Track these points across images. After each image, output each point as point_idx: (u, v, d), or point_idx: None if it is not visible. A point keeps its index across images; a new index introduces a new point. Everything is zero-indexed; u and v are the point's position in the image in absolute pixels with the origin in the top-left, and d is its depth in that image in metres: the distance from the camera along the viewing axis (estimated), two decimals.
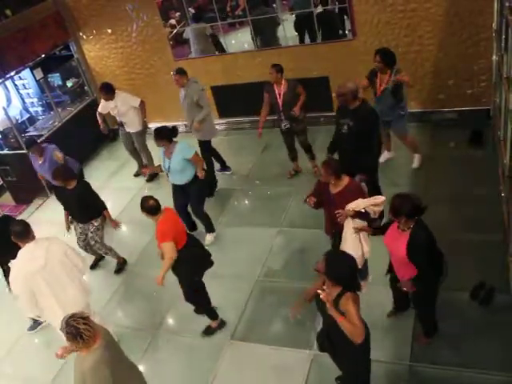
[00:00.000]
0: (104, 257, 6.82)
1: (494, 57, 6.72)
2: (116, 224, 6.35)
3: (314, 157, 7.27)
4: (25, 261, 4.66)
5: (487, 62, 7.03)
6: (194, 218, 6.67)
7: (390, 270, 4.54)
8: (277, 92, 6.79)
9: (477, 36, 7.01)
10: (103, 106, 7.99)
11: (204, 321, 5.55)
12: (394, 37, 7.38)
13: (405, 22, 7.25)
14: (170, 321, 5.80)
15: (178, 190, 6.42)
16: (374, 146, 5.63)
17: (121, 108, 7.77)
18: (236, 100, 8.64)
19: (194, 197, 6.39)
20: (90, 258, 6.68)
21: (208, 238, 6.60)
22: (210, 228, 6.65)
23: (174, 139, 6.15)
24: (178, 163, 6.07)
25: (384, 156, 7.12)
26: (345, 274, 3.54)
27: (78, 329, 3.38)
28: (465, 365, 4.41)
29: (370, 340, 3.82)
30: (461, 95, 7.48)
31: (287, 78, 6.83)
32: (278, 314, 5.44)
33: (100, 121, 8.15)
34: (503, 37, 5.60)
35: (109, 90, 7.70)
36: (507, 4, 5.05)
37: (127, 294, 6.23)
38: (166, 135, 6.06)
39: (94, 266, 6.75)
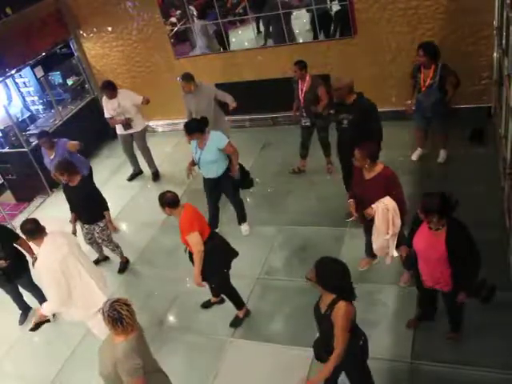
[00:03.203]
0: (108, 258, 6.80)
1: (495, 54, 6.71)
2: (114, 228, 6.28)
3: (330, 154, 7.22)
4: (52, 251, 4.70)
5: (488, 59, 7.03)
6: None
7: (417, 276, 4.37)
8: (300, 88, 6.75)
9: (478, 33, 7.00)
10: (107, 109, 7.82)
11: (205, 319, 5.57)
12: (394, 35, 7.37)
13: (405, 19, 7.24)
14: (171, 320, 5.81)
15: (211, 185, 6.30)
16: (377, 131, 5.57)
17: (125, 104, 7.68)
18: (236, 98, 8.63)
19: (230, 187, 6.32)
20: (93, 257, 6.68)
21: (245, 228, 6.63)
22: (244, 217, 6.64)
23: (207, 129, 6.03)
24: (211, 153, 5.95)
25: (417, 153, 7.10)
26: (336, 282, 3.51)
27: (121, 314, 3.40)
28: (466, 362, 4.41)
29: (368, 346, 3.83)
30: (462, 93, 7.45)
31: (312, 75, 6.79)
32: (278, 312, 5.44)
33: (115, 122, 7.91)
34: (504, 34, 5.59)
35: (114, 88, 7.66)
36: (508, 1, 5.05)
37: (127, 294, 6.20)
38: (197, 127, 5.95)
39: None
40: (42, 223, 4.94)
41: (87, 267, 4.92)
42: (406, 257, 4.45)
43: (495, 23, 6.57)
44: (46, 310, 4.79)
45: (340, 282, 3.52)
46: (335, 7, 7.78)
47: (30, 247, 5.63)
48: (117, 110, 7.76)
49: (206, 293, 5.57)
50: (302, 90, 6.75)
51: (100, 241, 6.33)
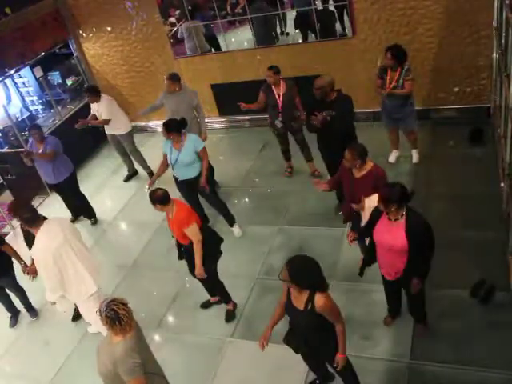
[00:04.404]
0: None
1: (494, 54, 6.71)
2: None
3: (312, 158, 7.21)
4: (47, 240, 4.77)
5: (487, 59, 7.03)
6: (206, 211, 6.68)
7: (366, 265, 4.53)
8: (276, 93, 6.74)
9: (477, 34, 7.00)
10: (92, 109, 8.00)
11: (205, 319, 5.56)
12: (393, 35, 7.36)
13: (405, 19, 7.24)
14: (170, 320, 5.80)
15: (185, 187, 6.34)
16: (353, 128, 5.87)
17: (103, 113, 7.77)
18: (236, 98, 8.64)
19: (205, 190, 6.33)
20: None
21: (237, 230, 6.61)
22: (231, 218, 6.62)
23: (183, 131, 6.10)
24: (189, 155, 6.03)
25: (394, 155, 7.13)
26: (310, 279, 3.56)
27: (118, 313, 3.42)
28: (464, 362, 4.41)
29: None
30: (461, 93, 7.48)
31: (284, 78, 6.81)
32: None
33: (88, 119, 8.03)
34: (503, 34, 5.60)
35: (93, 92, 7.73)
36: (507, 1, 5.05)
37: (126, 294, 6.20)
38: (176, 127, 6.01)
39: None
40: None
41: (81, 255, 4.98)
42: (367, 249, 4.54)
43: (494, 23, 6.57)
44: (47, 295, 4.98)
45: (314, 278, 3.58)
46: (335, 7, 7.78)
47: (15, 252, 5.72)
48: (98, 115, 7.88)
49: (205, 293, 5.58)
50: (279, 95, 6.74)
51: None
